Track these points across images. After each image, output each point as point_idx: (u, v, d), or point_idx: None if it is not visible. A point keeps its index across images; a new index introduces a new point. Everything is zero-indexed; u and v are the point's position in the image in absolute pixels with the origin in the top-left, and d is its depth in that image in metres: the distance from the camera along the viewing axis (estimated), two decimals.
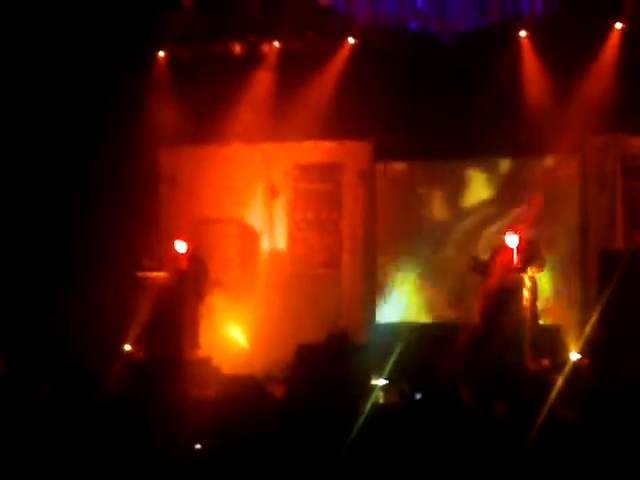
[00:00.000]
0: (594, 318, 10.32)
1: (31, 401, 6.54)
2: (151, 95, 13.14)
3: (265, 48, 13.09)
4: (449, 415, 6.34)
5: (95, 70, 12.92)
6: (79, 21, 12.64)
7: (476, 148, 12.46)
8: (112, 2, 12.68)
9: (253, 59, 13.08)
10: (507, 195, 12.64)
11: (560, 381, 8.74)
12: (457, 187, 12.89)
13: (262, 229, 13.47)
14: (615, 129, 11.98)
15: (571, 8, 11.93)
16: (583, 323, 11.18)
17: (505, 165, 12.76)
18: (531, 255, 11.02)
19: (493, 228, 12.41)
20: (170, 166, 13.67)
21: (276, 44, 13.03)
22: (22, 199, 13.01)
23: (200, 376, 10.83)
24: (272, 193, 13.45)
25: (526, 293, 10.83)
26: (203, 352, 11.94)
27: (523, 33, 12.22)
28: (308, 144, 13.19)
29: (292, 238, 13.44)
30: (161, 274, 11.80)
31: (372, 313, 13.02)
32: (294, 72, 12.74)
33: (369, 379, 10.21)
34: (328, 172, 13.37)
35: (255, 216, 13.49)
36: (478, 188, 12.80)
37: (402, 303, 12.91)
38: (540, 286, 11.13)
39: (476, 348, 10.78)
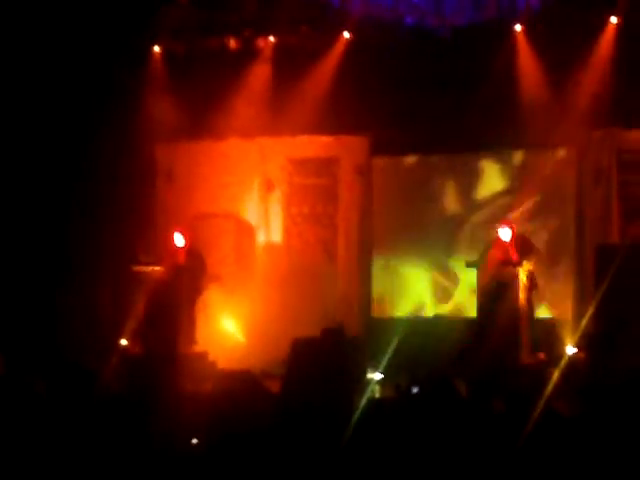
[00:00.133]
0: (590, 312, 10.34)
1: (27, 400, 6.54)
2: (147, 90, 13.13)
3: (260, 43, 13.09)
4: (446, 409, 6.34)
5: (90, 66, 12.89)
6: (74, 16, 12.61)
7: (472, 142, 12.47)
8: None
9: (248, 54, 13.08)
10: (506, 189, 12.65)
11: (556, 375, 8.73)
12: (453, 180, 12.89)
13: (258, 223, 13.47)
14: (611, 123, 11.99)
15: (566, 2, 11.93)
16: (579, 317, 11.21)
17: (502, 159, 12.77)
18: (524, 249, 11.03)
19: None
20: (166, 161, 13.68)
21: (271, 39, 13.03)
22: (19, 196, 13.00)
23: (196, 371, 10.84)
24: (268, 187, 13.45)
25: (522, 287, 10.83)
26: (199, 347, 11.93)
27: (519, 27, 12.22)
28: (304, 139, 13.20)
29: (288, 232, 13.44)
30: (157, 268, 11.79)
31: (368, 307, 13.03)
32: (289, 67, 12.74)
33: (365, 373, 10.23)
34: (324, 166, 13.38)
35: (251, 211, 13.49)
36: (478, 182, 12.81)
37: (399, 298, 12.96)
38: (535, 280, 11.13)
39: (472, 342, 10.79)
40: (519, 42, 12.22)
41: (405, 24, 12.65)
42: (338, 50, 12.78)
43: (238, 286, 13.19)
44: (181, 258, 11.97)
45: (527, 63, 12.19)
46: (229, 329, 13.13)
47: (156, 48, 13.33)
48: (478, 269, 11.24)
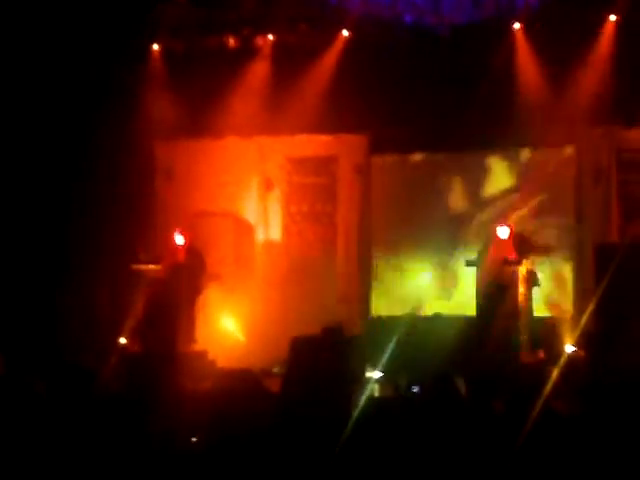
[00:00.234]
0: (589, 311, 10.35)
1: (27, 400, 6.53)
2: (146, 89, 13.13)
3: (259, 41, 13.09)
4: (445, 408, 6.34)
5: (90, 64, 12.88)
6: (74, 14, 12.60)
7: (471, 140, 12.47)
8: None
9: (247, 52, 13.09)
10: (507, 187, 12.65)
11: (555, 374, 8.73)
12: (452, 179, 12.89)
13: (257, 222, 13.47)
14: (610, 122, 11.99)
15: (565, 0, 11.93)
16: (578, 316, 11.22)
17: (507, 157, 12.76)
18: (523, 248, 11.02)
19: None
20: (165, 160, 13.68)
21: (270, 37, 13.03)
22: (18, 194, 12.98)
23: (196, 369, 10.83)
24: (267, 186, 13.46)
25: (521, 286, 10.83)
26: (199, 346, 11.93)
27: (517, 26, 12.22)
28: (303, 137, 13.20)
29: (287, 231, 13.44)
30: (156, 267, 11.78)
31: (367, 306, 13.03)
32: (288, 65, 12.74)
33: (364, 372, 10.23)
34: (323, 165, 13.38)
35: (250, 209, 13.49)
36: (477, 181, 12.82)
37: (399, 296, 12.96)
38: (536, 279, 11.13)
39: (472, 341, 10.79)
40: (518, 40, 12.23)
41: (404, 22, 12.64)
42: (337, 48, 12.78)
43: (237, 285, 13.19)
44: (181, 257, 11.96)
45: (526, 61, 12.19)
46: (228, 328, 13.12)
47: (155, 46, 13.32)
48: (478, 268, 11.24)
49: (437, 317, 12.47)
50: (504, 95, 11.92)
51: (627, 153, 12.14)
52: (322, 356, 9.35)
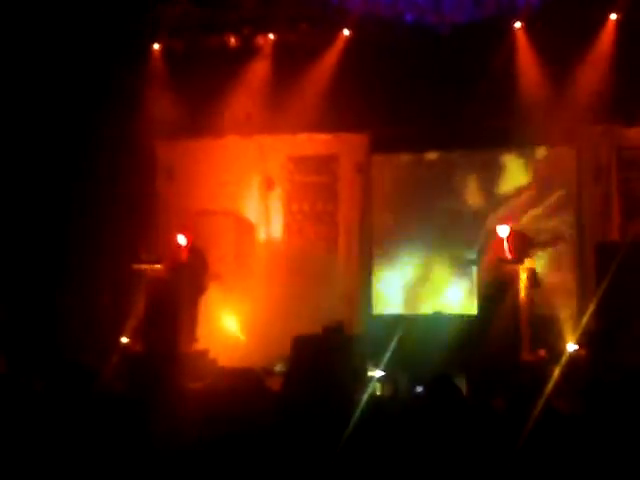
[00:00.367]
0: (590, 309, 10.35)
1: (27, 400, 6.53)
2: (146, 88, 13.13)
3: (260, 40, 13.08)
4: (446, 407, 6.34)
5: (90, 64, 12.88)
6: (74, 14, 12.60)
7: (471, 140, 12.48)
8: None
9: (248, 52, 13.08)
10: (506, 187, 12.67)
11: (557, 372, 8.74)
12: (451, 178, 12.91)
13: (258, 221, 13.48)
14: (611, 120, 11.99)
15: None
16: (580, 314, 11.23)
17: (502, 156, 12.78)
18: (523, 246, 11.03)
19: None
20: (166, 159, 13.68)
21: (271, 36, 13.03)
22: (19, 194, 12.98)
23: (197, 369, 10.84)
24: (268, 185, 13.46)
25: (522, 285, 10.83)
26: (200, 345, 11.94)
27: (518, 24, 12.22)
28: (304, 136, 13.21)
29: (288, 230, 13.45)
30: (158, 266, 11.78)
31: (368, 304, 13.04)
32: (289, 64, 12.74)
33: (366, 370, 10.24)
34: (324, 164, 13.39)
35: (251, 208, 13.50)
36: (478, 180, 12.82)
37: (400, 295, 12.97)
38: (537, 278, 11.14)
39: (473, 339, 10.79)
40: (519, 39, 12.23)
41: (405, 21, 12.63)
42: (337, 48, 12.78)
43: (238, 284, 13.19)
44: (183, 256, 11.96)
45: (527, 60, 12.19)
46: (229, 327, 13.13)
47: (156, 46, 13.32)
48: (478, 267, 11.25)
49: (438, 316, 12.47)
50: (504, 94, 11.92)
51: (628, 151, 12.14)
52: (323, 355, 9.37)
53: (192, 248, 12.02)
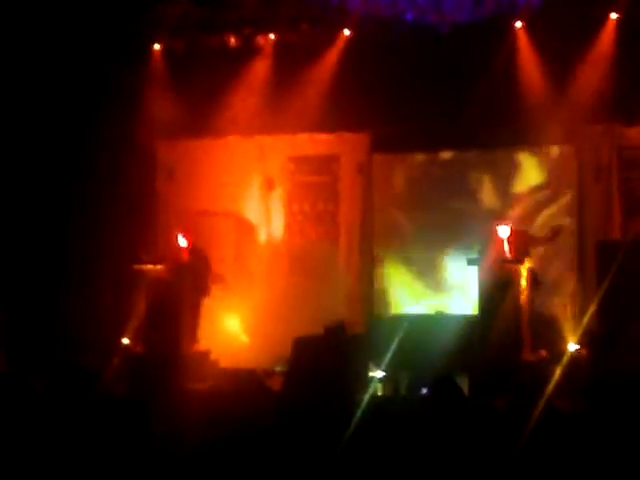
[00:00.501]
0: (592, 309, 10.34)
1: (26, 399, 6.54)
2: (147, 88, 13.12)
3: (260, 40, 13.08)
4: (448, 407, 6.34)
5: (90, 64, 12.89)
6: (74, 14, 12.60)
7: (471, 139, 12.47)
8: None
9: (249, 52, 13.08)
10: (506, 188, 12.66)
11: (558, 372, 8.75)
12: (451, 178, 12.90)
13: (259, 221, 13.47)
14: (611, 119, 11.99)
15: None
16: (581, 314, 11.21)
17: (502, 156, 12.76)
18: (524, 246, 11.01)
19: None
20: (167, 159, 13.68)
21: (271, 36, 13.02)
22: (19, 194, 12.98)
23: (198, 370, 10.83)
24: (269, 186, 13.45)
25: (523, 284, 10.82)
26: (202, 346, 11.93)
27: (519, 24, 12.21)
28: (304, 136, 13.19)
29: (289, 230, 13.44)
30: (159, 267, 11.76)
31: (370, 305, 13.03)
32: (290, 64, 12.74)
33: (367, 371, 10.23)
34: (325, 164, 13.38)
35: (252, 208, 13.49)
36: (478, 180, 12.80)
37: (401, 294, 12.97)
38: (538, 278, 11.13)
39: (474, 340, 10.79)
40: (519, 39, 12.22)
41: (405, 21, 12.62)
42: (338, 47, 12.78)
43: (239, 284, 13.18)
44: (184, 257, 11.94)
45: (527, 59, 12.18)
46: (231, 328, 13.12)
47: (156, 46, 13.32)
48: (479, 266, 11.23)
49: (439, 316, 12.47)
50: (505, 93, 11.91)
51: (628, 150, 12.13)
52: (325, 355, 9.36)
53: (194, 249, 11.98)
